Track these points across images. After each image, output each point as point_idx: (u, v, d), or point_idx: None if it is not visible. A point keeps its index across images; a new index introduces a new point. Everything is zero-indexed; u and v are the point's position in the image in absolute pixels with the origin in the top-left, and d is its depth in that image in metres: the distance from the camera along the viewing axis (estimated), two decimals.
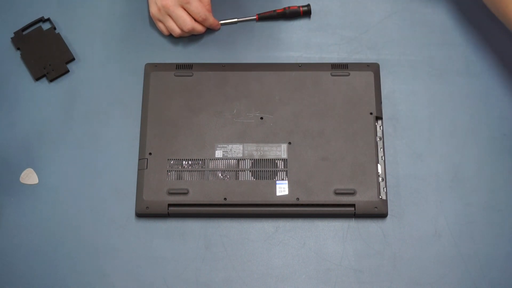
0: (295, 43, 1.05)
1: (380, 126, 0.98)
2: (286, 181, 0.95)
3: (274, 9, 1.06)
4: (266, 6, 1.07)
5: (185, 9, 1.00)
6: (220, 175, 0.96)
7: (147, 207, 0.94)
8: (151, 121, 0.98)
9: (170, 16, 1.01)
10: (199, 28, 1.02)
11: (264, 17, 1.06)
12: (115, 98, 1.02)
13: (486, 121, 0.99)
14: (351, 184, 0.94)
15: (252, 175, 0.95)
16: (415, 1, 1.07)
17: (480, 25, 1.04)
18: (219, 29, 1.05)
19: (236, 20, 1.06)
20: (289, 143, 0.97)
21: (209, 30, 1.05)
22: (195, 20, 1.01)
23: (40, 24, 1.06)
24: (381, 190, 0.95)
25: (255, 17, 1.06)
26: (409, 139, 0.99)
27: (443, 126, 0.99)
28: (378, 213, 0.94)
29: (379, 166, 0.96)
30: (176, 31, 1.02)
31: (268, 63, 1.02)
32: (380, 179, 0.95)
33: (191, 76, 1.01)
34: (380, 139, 0.97)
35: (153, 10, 1.02)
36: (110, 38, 1.05)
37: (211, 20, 1.02)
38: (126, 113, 1.01)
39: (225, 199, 0.94)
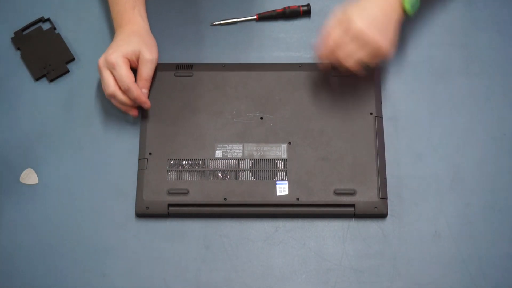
0: (295, 43, 1.05)
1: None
2: (286, 181, 0.95)
3: (274, 9, 1.06)
4: (266, 6, 1.07)
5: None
6: (220, 175, 0.95)
7: (147, 207, 0.94)
8: (151, 121, 0.98)
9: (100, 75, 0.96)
10: (122, 97, 0.95)
11: (264, 17, 1.06)
12: None
13: (486, 121, 0.99)
14: (351, 184, 0.94)
15: (252, 175, 0.95)
16: None
17: (480, 25, 1.04)
18: (148, 107, 0.97)
19: (236, 20, 1.06)
20: (289, 143, 0.97)
21: (210, 30, 1.05)
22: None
23: (40, 24, 1.06)
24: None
25: (255, 17, 1.06)
26: (409, 139, 0.99)
27: (443, 126, 0.99)
28: (378, 213, 0.94)
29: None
30: (105, 91, 0.96)
31: (268, 63, 1.02)
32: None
33: (191, 76, 1.01)
34: None
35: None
36: (110, 38, 1.05)
37: (136, 93, 0.94)
38: (126, 113, 1.00)
39: (225, 199, 0.94)
